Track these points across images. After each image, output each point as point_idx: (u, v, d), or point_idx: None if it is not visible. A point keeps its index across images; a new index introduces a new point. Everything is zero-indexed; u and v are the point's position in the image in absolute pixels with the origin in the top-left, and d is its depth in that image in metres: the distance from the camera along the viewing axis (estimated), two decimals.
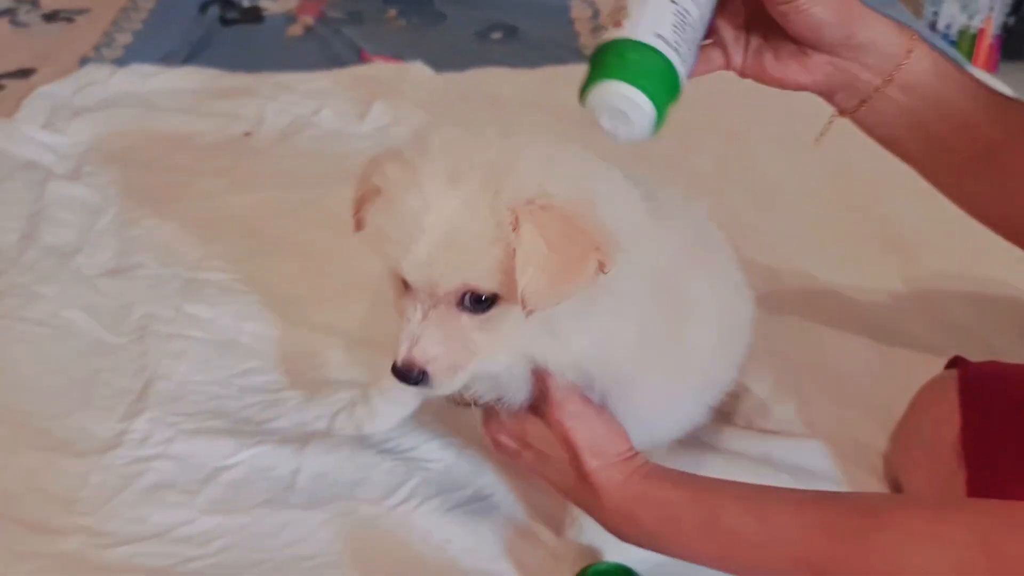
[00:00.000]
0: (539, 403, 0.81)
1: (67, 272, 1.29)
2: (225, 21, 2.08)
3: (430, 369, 0.70)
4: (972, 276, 1.26)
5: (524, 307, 0.66)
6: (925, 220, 1.39)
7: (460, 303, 0.70)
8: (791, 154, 1.52)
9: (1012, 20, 2.96)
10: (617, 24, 0.77)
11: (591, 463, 0.79)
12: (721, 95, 1.69)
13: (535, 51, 1.97)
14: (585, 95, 0.76)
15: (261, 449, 1.02)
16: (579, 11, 2.16)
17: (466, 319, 0.70)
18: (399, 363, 0.70)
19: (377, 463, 1.01)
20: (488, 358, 0.73)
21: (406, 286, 0.71)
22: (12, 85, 1.79)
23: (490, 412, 0.85)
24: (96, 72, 1.78)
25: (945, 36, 2.91)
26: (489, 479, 1.00)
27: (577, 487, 0.82)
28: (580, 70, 2.01)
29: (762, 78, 0.87)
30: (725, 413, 1.05)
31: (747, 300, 0.91)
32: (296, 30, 2.07)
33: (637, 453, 0.81)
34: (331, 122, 1.68)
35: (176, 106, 1.71)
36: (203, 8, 2.11)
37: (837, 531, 0.71)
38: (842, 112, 0.89)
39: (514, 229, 0.65)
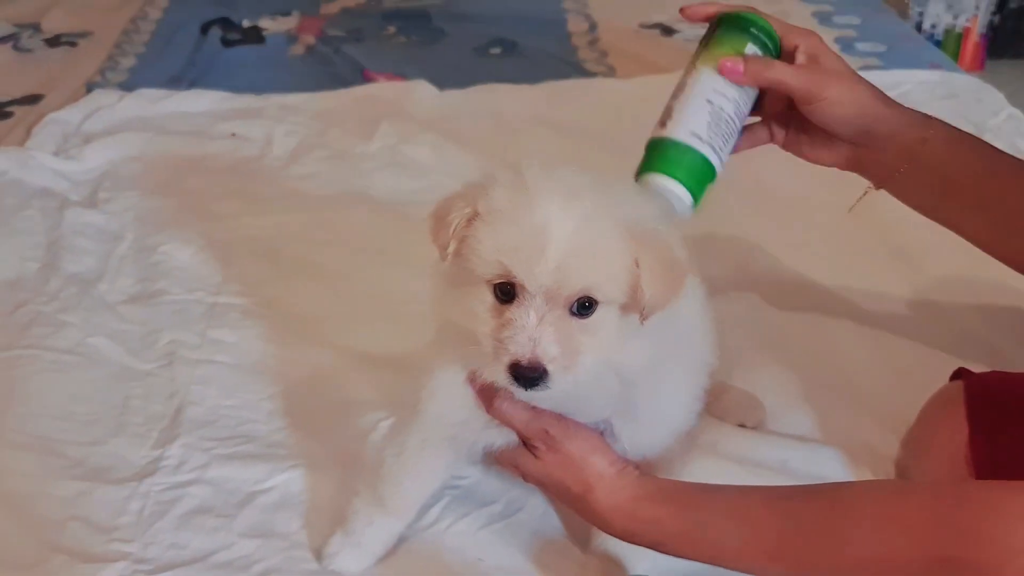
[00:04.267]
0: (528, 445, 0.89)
1: (90, 300, 1.31)
2: (227, 42, 2.10)
3: (551, 368, 0.75)
4: (976, 283, 1.30)
5: (643, 315, 0.77)
6: (928, 228, 1.42)
7: (570, 308, 0.76)
8: (794, 167, 1.55)
9: (997, 19, 3.01)
10: (662, 124, 0.93)
11: (586, 485, 0.87)
12: None
13: (534, 66, 2.00)
14: (639, 181, 0.92)
15: (294, 474, 1.05)
16: (576, 25, 2.19)
17: (574, 323, 0.77)
18: (525, 362, 0.75)
19: None
20: (588, 361, 0.78)
21: (509, 297, 0.77)
22: (20, 111, 1.81)
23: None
24: (104, 97, 1.80)
25: (931, 36, 2.95)
26: (517, 492, 1.03)
27: (590, 513, 0.89)
28: (580, 84, 2.03)
29: (799, 155, 1.05)
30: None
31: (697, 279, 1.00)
32: (298, 50, 2.10)
33: (626, 466, 0.88)
34: (339, 142, 1.71)
35: (185, 129, 1.73)
36: (204, 30, 2.14)
37: (807, 524, 0.79)
38: (876, 186, 1.05)
39: (636, 247, 0.76)
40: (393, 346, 1.23)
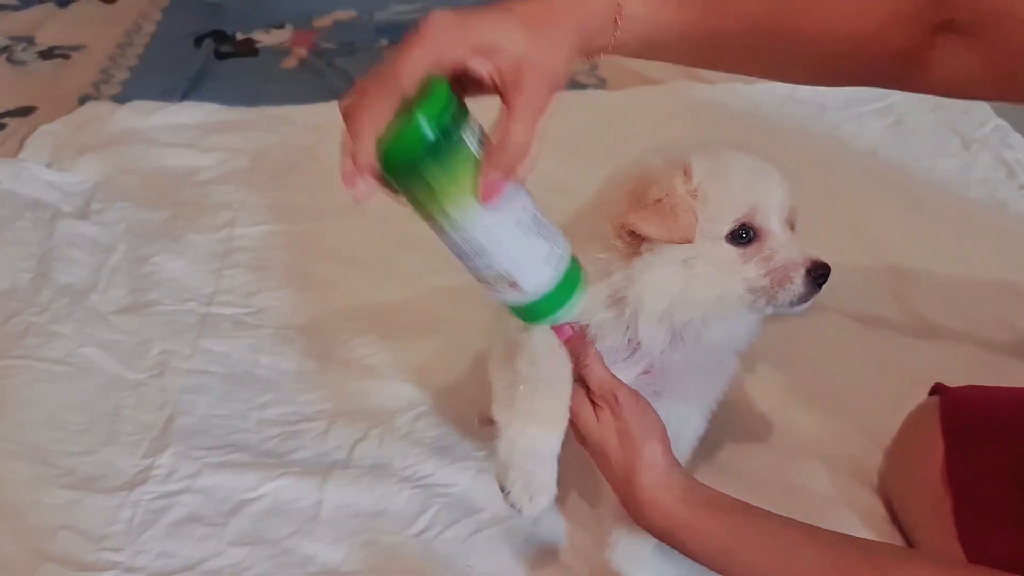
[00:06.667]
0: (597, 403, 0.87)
1: (82, 310, 1.32)
2: (220, 55, 2.11)
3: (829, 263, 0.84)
4: (961, 294, 1.31)
5: None
6: (914, 240, 1.44)
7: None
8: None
9: None
10: (513, 287, 0.77)
11: (632, 466, 0.85)
12: (705, 123, 1.75)
13: None
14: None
15: (284, 481, 1.06)
16: None
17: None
18: (816, 264, 0.83)
19: (397, 492, 1.05)
20: None
21: (747, 240, 0.84)
22: (13, 123, 1.82)
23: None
24: (97, 109, 1.81)
25: None
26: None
27: (627, 494, 0.86)
28: (571, 96, 2.02)
29: None
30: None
31: None
32: (290, 63, 2.11)
33: (677, 464, 0.86)
34: (331, 155, 1.71)
35: (178, 141, 1.74)
36: (197, 42, 2.15)
37: None
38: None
39: None
40: (382, 357, 1.25)
